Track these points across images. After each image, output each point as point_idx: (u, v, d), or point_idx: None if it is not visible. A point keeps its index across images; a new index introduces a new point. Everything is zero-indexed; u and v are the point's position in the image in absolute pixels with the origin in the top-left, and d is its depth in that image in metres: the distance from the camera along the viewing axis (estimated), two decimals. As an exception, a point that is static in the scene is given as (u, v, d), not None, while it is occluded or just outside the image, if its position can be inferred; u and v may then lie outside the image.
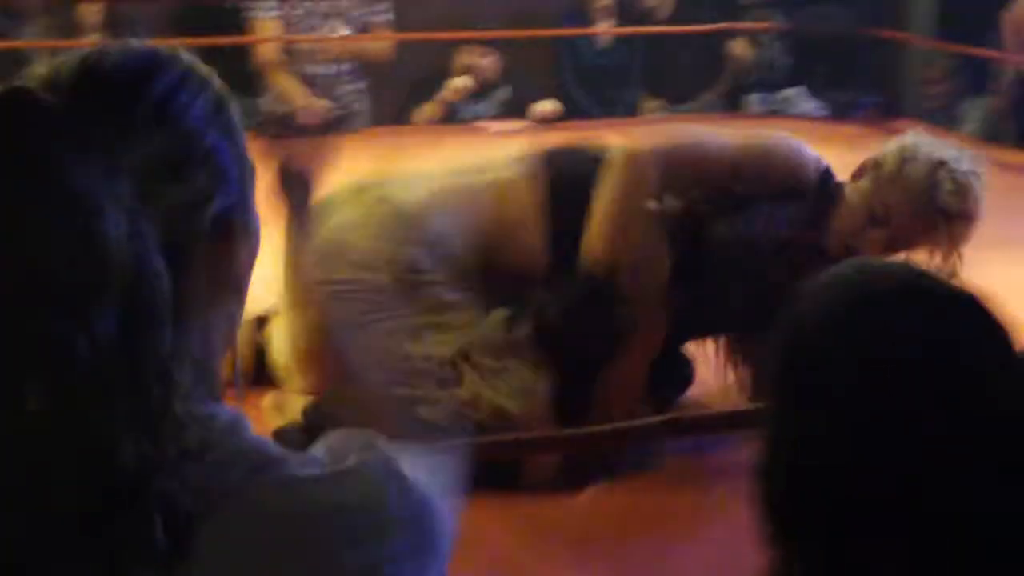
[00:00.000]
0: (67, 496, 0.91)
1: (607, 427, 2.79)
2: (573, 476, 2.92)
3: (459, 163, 3.26)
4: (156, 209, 0.96)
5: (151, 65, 1.03)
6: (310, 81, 6.11)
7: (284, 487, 0.99)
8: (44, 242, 0.90)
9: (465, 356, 2.93)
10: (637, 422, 2.82)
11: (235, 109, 1.08)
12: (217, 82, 1.07)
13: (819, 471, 1.15)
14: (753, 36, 7.44)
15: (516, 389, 2.91)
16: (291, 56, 6.15)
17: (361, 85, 6.30)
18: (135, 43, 1.06)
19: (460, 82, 6.82)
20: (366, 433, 1.07)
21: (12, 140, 0.92)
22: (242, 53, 6.17)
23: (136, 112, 1.00)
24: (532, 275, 3.03)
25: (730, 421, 2.88)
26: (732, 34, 7.39)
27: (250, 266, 1.09)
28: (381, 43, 6.22)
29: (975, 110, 6.93)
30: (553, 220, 3.04)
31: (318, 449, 1.05)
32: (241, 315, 1.11)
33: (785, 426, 1.18)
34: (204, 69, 1.07)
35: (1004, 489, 1.13)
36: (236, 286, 1.08)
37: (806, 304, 1.19)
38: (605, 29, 7.18)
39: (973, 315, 1.16)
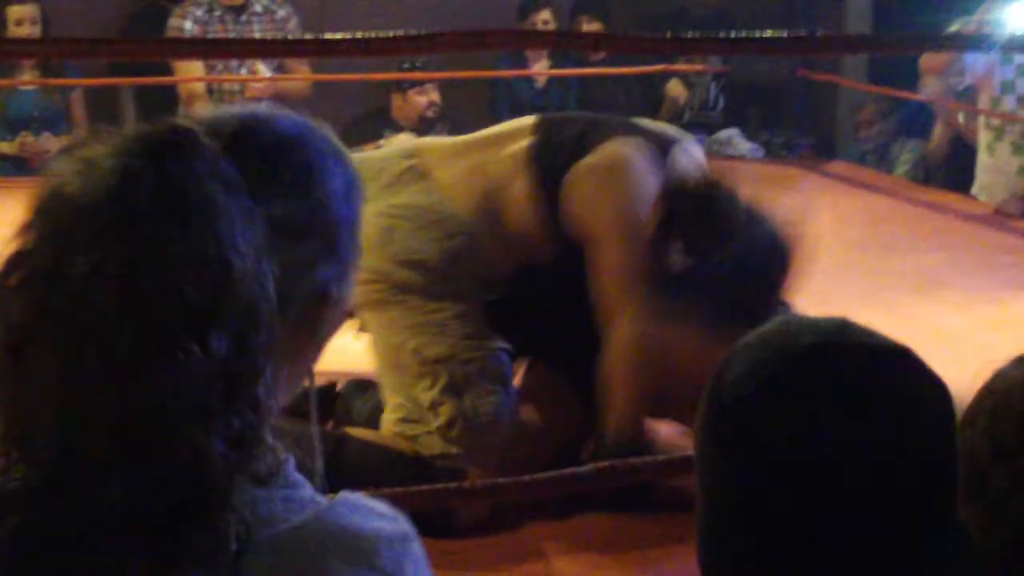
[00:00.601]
0: (156, 498, 1.00)
1: (543, 476, 2.80)
2: (505, 519, 2.92)
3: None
4: (274, 260, 1.06)
5: (301, 136, 1.17)
6: None
7: (332, 528, 1.07)
8: (179, 260, 1.01)
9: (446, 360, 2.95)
10: (569, 471, 2.84)
11: (362, 193, 1.20)
12: (353, 165, 1.20)
13: (755, 519, 1.16)
14: (687, 77, 7.49)
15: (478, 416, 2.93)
16: (213, 96, 6.27)
17: None
18: (290, 113, 1.19)
19: (403, 138, 6.80)
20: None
21: (173, 169, 1.03)
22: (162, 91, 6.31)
23: (280, 174, 1.13)
24: (535, 252, 3.03)
25: (668, 468, 2.90)
26: (667, 74, 7.43)
27: (332, 334, 1.21)
28: (301, 77, 6.39)
29: (907, 152, 7.00)
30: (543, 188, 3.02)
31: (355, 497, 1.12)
32: (313, 375, 1.22)
33: (718, 479, 1.19)
34: (345, 150, 1.20)
35: (937, 538, 1.14)
36: (317, 347, 1.20)
37: (736, 360, 1.20)
38: (541, 70, 7.20)
39: (899, 366, 1.18)
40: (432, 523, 2.52)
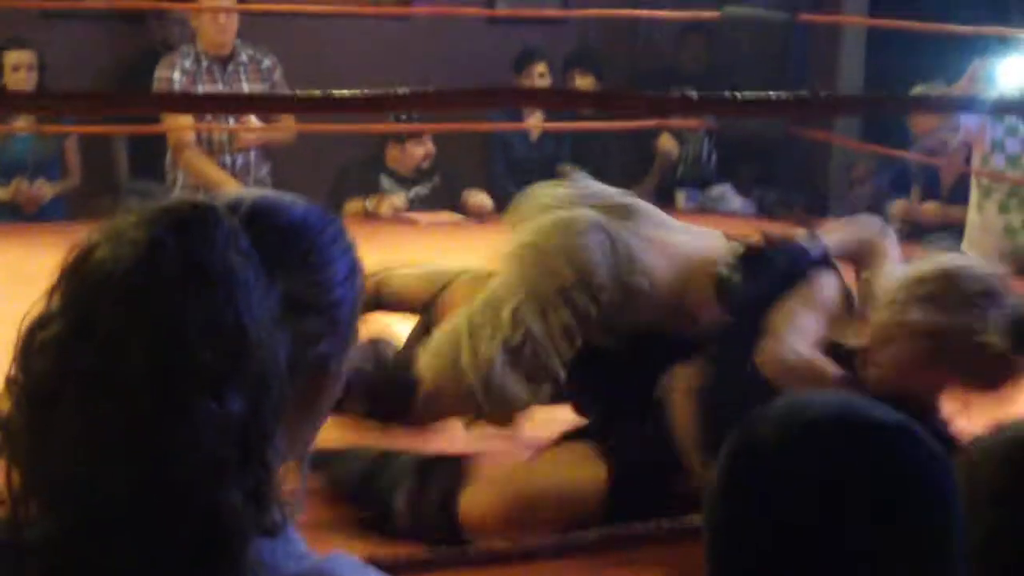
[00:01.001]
0: (173, 550, 1.07)
1: (507, 547, 2.82)
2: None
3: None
4: (284, 331, 1.16)
5: (310, 221, 1.26)
6: (226, 170, 6.35)
7: None
8: (200, 326, 1.09)
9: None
10: (534, 544, 2.87)
11: (363, 276, 1.30)
12: (356, 250, 1.30)
13: None
14: (679, 132, 7.51)
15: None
16: (203, 144, 6.36)
17: (265, 170, 6.56)
18: (305, 200, 1.29)
19: (397, 200, 6.82)
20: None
21: (197, 241, 1.12)
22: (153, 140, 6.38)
23: (290, 253, 1.22)
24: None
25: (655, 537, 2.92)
26: (660, 128, 7.46)
27: (329, 408, 1.29)
28: (287, 127, 6.46)
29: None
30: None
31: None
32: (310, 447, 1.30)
33: (727, 548, 1.24)
34: (351, 235, 1.29)
35: None
36: (315, 420, 1.28)
37: (748, 432, 1.25)
38: (535, 123, 7.23)
39: (901, 441, 1.22)
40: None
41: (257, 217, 1.22)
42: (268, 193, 1.30)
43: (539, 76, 7.11)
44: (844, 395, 1.29)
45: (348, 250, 1.29)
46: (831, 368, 3.00)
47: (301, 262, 1.23)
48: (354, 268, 1.28)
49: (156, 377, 1.07)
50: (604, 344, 3.14)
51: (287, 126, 6.47)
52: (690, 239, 3.28)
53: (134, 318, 1.08)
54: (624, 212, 3.23)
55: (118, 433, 1.07)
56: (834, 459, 1.20)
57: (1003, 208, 5.90)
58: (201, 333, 1.09)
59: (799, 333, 3.04)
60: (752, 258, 3.22)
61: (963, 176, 6.41)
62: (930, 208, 6.65)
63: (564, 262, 3.04)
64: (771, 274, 3.17)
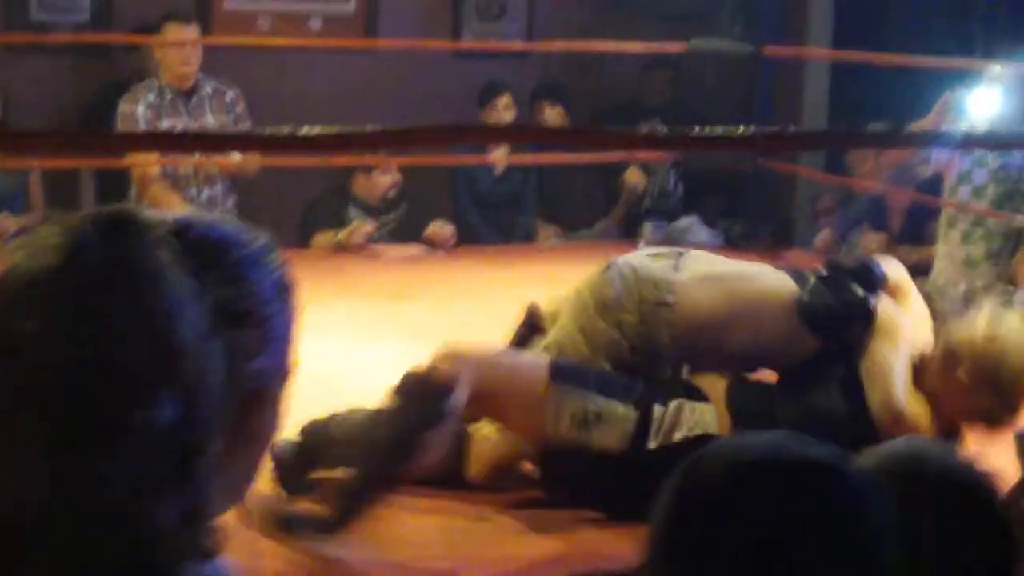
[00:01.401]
0: (100, 570, 1.00)
1: None
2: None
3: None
4: (216, 341, 1.09)
5: (236, 235, 1.20)
6: (192, 203, 6.35)
7: None
8: (124, 328, 1.03)
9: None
10: None
11: (297, 299, 1.23)
12: (288, 271, 1.24)
13: None
14: (646, 164, 7.53)
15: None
16: (168, 178, 6.36)
17: (231, 203, 6.58)
18: (233, 220, 1.24)
19: (367, 227, 6.80)
20: None
21: (120, 243, 1.07)
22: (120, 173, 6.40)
23: (221, 263, 1.15)
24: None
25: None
26: (626, 161, 7.47)
27: (269, 440, 1.22)
28: (252, 159, 6.42)
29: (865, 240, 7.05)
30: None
31: None
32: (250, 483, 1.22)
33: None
34: (280, 256, 1.23)
35: None
36: (253, 447, 1.20)
37: (693, 471, 1.28)
38: (500, 156, 7.23)
39: (836, 481, 1.25)
40: None
41: (184, 228, 1.16)
42: (193, 212, 1.24)
43: (504, 108, 7.11)
44: (782, 436, 1.30)
45: (279, 268, 1.23)
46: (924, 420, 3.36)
47: (231, 273, 1.16)
48: (286, 287, 1.23)
49: (80, 385, 1.01)
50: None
51: (252, 159, 6.46)
52: (744, 268, 3.73)
53: (51, 321, 1.02)
54: (670, 254, 3.72)
55: (38, 447, 1.00)
56: (772, 498, 1.23)
57: (966, 238, 5.93)
58: (128, 336, 1.03)
59: (899, 381, 3.39)
60: (830, 280, 3.57)
61: (924, 210, 6.47)
62: (872, 240, 6.74)
63: (588, 295, 3.59)
64: (849, 297, 3.53)
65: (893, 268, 3.66)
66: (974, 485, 1.54)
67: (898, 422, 3.29)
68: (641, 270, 3.59)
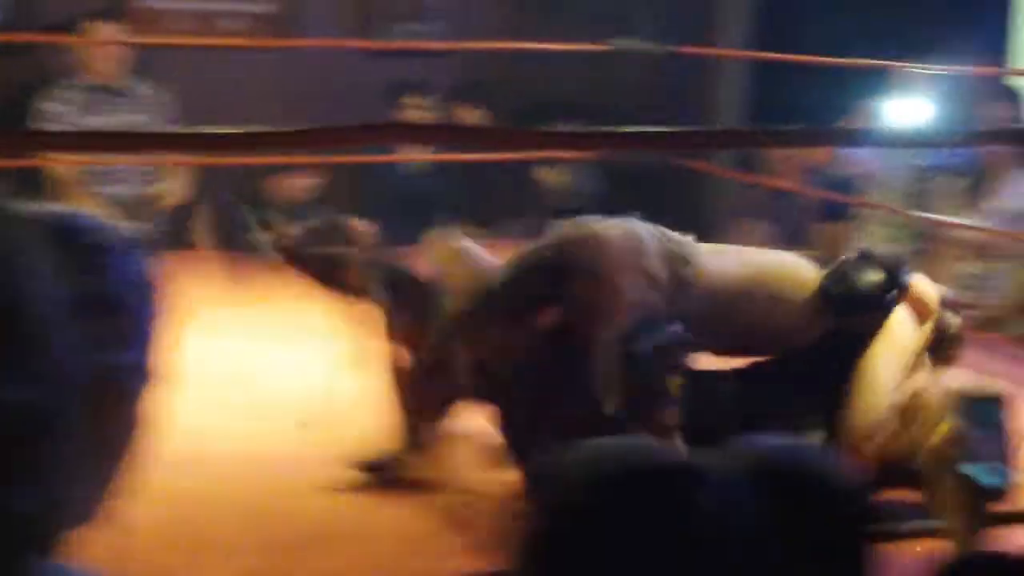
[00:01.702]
0: None
1: None
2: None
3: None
4: (72, 328, 1.05)
5: (105, 230, 1.17)
6: (113, 203, 6.25)
7: None
8: None
9: None
10: None
11: (160, 296, 1.20)
12: (154, 269, 1.21)
13: None
14: (563, 163, 7.53)
15: None
16: (90, 177, 6.29)
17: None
18: (103, 214, 1.23)
19: (288, 230, 6.75)
20: None
21: None
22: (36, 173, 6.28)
23: (79, 248, 1.12)
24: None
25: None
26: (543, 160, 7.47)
27: (127, 445, 1.15)
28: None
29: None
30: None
31: None
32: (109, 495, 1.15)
33: None
34: (146, 253, 1.20)
35: None
36: (112, 444, 1.14)
37: (548, 483, 1.28)
38: (417, 155, 7.19)
39: (678, 484, 1.24)
40: None
41: (40, 216, 1.13)
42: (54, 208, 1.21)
43: (414, 108, 7.08)
44: (637, 440, 1.31)
45: (138, 263, 1.20)
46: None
47: (91, 262, 1.14)
48: (149, 283, 1.20)
49: None
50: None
51: (173, 160, 6.40)
52: (760, 253, 3.70)
53: None
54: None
55: None
56: (634, 503, 1.22)
57: (870, 237, 6.01)
58: None
59: (888, 387, 3.30)
60: (859, 262, 3.49)
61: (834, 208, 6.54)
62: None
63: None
64: (873, 284, 3.45)
65: (923, 284, 3.50)
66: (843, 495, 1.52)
67: (868, 436, 3.25)
68: (671, 242, 3.74)
